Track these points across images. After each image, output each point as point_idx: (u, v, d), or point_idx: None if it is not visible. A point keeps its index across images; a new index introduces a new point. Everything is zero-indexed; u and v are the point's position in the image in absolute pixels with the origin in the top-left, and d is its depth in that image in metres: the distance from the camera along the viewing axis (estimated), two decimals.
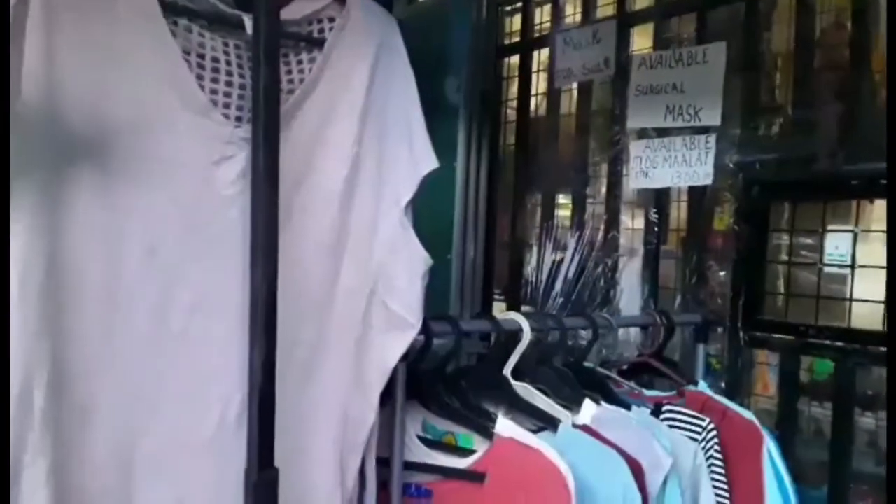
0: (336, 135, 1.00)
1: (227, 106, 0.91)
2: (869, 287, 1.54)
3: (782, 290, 1.66)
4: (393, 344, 1.06)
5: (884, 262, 1.51)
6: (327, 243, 1.01)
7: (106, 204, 0.83)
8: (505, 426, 1.17)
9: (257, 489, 0.87)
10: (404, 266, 1.06)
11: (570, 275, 1.99)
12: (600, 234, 1.98)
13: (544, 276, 2.05)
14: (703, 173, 1.70)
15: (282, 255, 0.91)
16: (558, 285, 2.00)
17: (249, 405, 0.88)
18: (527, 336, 1.33)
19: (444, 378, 1.29)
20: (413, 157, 1.06)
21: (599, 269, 1.95)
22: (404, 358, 1.16)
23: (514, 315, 1.35)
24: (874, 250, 1.54)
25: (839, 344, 1.54)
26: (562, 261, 2.05)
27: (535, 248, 2.12)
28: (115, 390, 0.84)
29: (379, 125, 1.04)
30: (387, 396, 1.17)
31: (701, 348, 1.59)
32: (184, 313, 0.88)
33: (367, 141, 1.03)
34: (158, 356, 0.86)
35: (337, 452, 1.01)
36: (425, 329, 1.18)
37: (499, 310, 2.13)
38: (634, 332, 1.86)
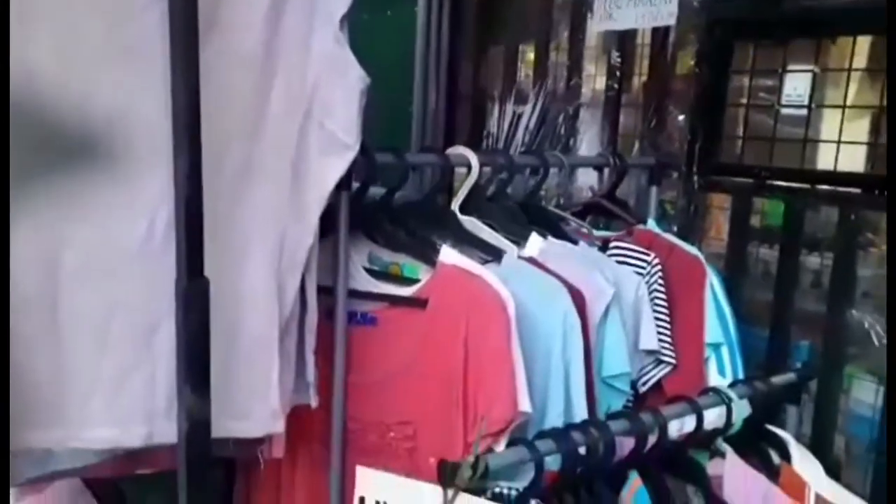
0: None
1: None
2: (825, 127, 1.53)
3: (740, 133, 1.64)
4: (331, 166, 1.05)
5: (842, 102, 1.49)
6: (257, 59, 0.97)
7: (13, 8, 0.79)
8: (448, 254, 1.19)
9: (187, 297, 0.88)
10: (341, 85, 1.03)
11: (532, 125, 1.96)
12: (562, 82, 1.94)
13: (506, 127, 2.02)
14: (666, 13, 1.64)
15: (207, 66, 0.88)
16: (520, 135, 1.98)
17: (176, 214, 0.88)
18: (475, 171, 1.33)
19: (391, 211, 1.29)
20: None
21: (561, 117, 1.92)
22: (347, 188, 1.15)
23: (462, 149, 1.33)
24: (833, 90, 1.52)
25: (792, 185, 1.54)
26: (524, 112, 2.01)
27: (497, 99, 2.08)
28: (31, 199, 0.83)
29: None
30: (332, 228, 1.17)
31: (654, 190, 1.60)
32: (100, 120, 0.86)
33: None
34: (75, 161, 0.85)
35: (274, 272, 1.01)
36: (368, 160, 1.17)
37: None
38: (594, 181, 1.85)
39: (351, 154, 1.05)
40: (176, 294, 0.88)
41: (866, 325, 1.46)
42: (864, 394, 1.49)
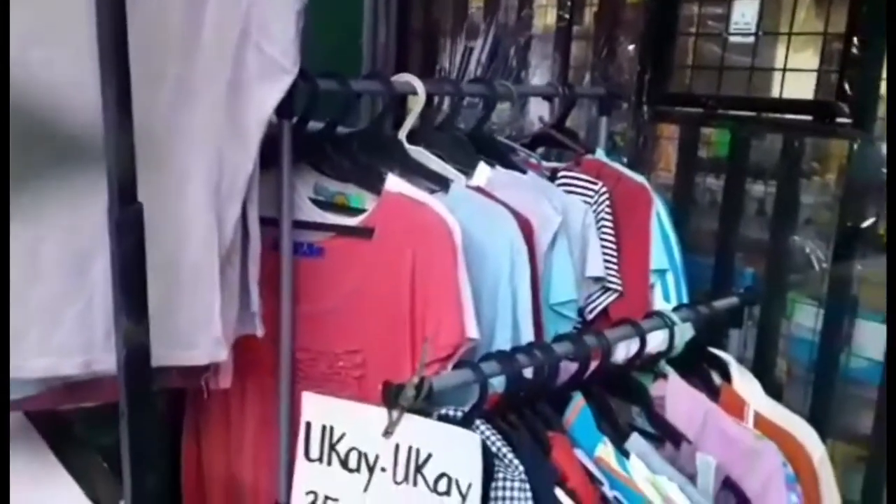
0: None
1: None
2: (772, 55, 1.53)
3: (689, 62, 1.64)
4: (269, 89, 1.02)
5: (787, 28, 1.49)
6: None
7: None
8: (394, 183, 1.17)
9: (120, 224, 0.86)
10: (278, 5, 1.00)
11: (483, 58, 1.94)
12: (514, 13, 1.91)
13: (458, 61, 1.99)
14: None
15: None
16: (471, 69, 1.95)
17: (105, 141, 0.85)
18: (421, 98, 1.30)
19: (337, 140, 1.27)
20: None
21: (512, 50, 1.90)
22: (288, 116, 1.13)
23: (408, 77, 1.31)
24: (780, 17, 1.52)
25: (739, 113, 1.55)
26: (475, 46, 1.98)
27: (448, 33, 2.04)
28: None
29: None
30: (276, 159, 1.15)
31: (604, 121, 1.59)
32: (20, 39, 0.81)
33: None
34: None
35: (213, 199, 0.99)
36: (311, 86, 1.15)
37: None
38: (546, 115, 1.84)
39: (289, 78, 1.02)
40: (108, 221, 0.86)
41: (808, 251, 1.49)
42: (805, 318, 1.53)
